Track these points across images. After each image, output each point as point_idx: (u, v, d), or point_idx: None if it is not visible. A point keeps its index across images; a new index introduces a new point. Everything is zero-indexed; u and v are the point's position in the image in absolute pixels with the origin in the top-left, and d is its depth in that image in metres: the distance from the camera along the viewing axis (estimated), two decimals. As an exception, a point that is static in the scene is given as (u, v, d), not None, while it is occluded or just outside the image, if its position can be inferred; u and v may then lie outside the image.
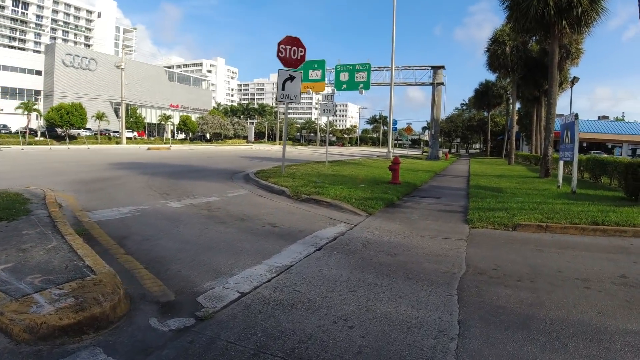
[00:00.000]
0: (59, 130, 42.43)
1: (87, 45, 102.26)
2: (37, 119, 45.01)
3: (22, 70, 63.43)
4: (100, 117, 46.22)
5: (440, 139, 59.81)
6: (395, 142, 68.83)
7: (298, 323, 3.17)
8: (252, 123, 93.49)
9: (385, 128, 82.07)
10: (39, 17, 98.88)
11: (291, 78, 13.33)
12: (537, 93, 34.56)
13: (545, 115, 26.36)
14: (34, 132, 43.89)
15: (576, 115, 12.15)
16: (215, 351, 2.75)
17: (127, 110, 54.25)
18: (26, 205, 6.89)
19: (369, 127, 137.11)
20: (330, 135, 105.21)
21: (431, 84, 41.81)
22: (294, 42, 13.69)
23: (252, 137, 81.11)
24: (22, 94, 61.04)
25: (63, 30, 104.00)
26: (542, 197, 10.72)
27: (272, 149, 51.63)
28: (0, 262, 3.97)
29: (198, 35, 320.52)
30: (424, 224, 7.42)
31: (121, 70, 47.23)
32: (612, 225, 6.92)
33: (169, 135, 64.85)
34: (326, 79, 39.37)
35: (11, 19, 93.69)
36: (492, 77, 48.87)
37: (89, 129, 50.45)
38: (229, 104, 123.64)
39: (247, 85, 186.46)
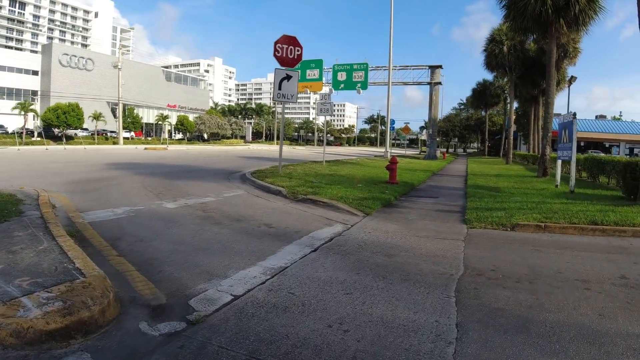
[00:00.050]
0: (56, 130, 42.23)
1: (84, 45, 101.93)
2: (34, 119, 44.82)
3: (19, 71, 63.19)
4: (97, 117, 46.03)
5: (437, 139, 59.81)
6: (393, 141, 68.88)
7: (292, 327, 3.09)
8: (250, 123, 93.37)
9: (383, 128, 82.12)
10: (36, 17, 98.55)
11: (288, 77, 13.24)
12: (534, 92, 34.53)
13: (543, 114, 26.34)
14: (30, 133, 43.68)
15: (574, 115, 12.10)
16: (205, 357, 2.67)
17: (124, 110, 54.16)
18: (18, 206, 6.79)
19: (367, 126, 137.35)
20: (328, 135, 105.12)
21: (429, 83, 41.77)
22: (290, 41, 13.60)
23: (249, 137, 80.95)
24: (18, 94, 60.78)
25: (60, 30, 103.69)
26: (541, 196, 10.66)
27: (269, 148, 51.51)
28: (-13, 264, 3.88)
29: (195, 35, 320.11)
30: (422, 224, 7.34)
31: (118, 70, 47.07)
32: (611, 225, 6.86)
33: (166, 136, 64.61)
34: (324, 79, 39.28)
35: (8, 19, 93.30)
36: (489, 76, 48.99)
37: (86, 129, 50.26)
38: (227, 103, 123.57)
39: (245, 85, 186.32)
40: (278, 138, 79.14)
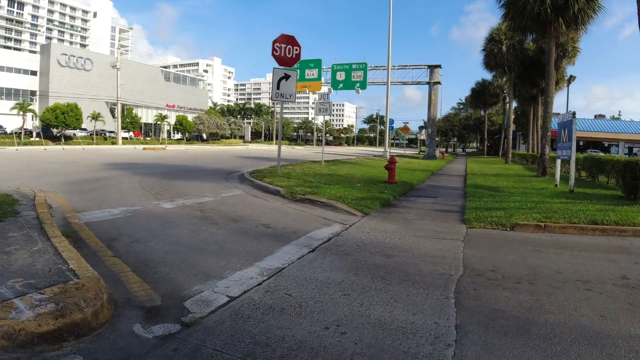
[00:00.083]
0: (55, 130, 42.15)
1: (83, 46, 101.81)
2: (32, 120, 44.71)
3: (18, 71, 63.10)
4: (95, 117, 45.97)
5: (437, 138, 59.80)
6: (392, 141, 68.83)
7: (288, 329, 3.03)
8: (249, 123, 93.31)
9: (382, 127, 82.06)
10: (34, 17, 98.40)
11: (286, 77, 13.19)
12: (533, 92, 34.50)
13: (542, 114, 26.30)
14: (29, 133, 43.62)
15: (573, 114, 12.05)
16: (199, 360, 2.61)
17: (123, 111, 54.09)
18: (14, 206, 6.73)
19: (366, 126, 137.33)
20: (327, 135, 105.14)
21: (428, 83, 41.74)
22: (289, 40, 13.55)
23: (248, 137, 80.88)
24: (17, 94, 60.68)
25: (59, 31, 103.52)
26: (540, 196, 10.62)
27: (268, 148, 51.44)
28: (-20, 266, 3.82)
29: (194, 34, 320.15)
30: (421, 224, 7.29)
31: (117, 70, 46.97)
32: (611, 225, 6.81)
33: (165, 136, 64.52)
34: (323, 79, 39.24)
35: (6, 19, 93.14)
36: (488, 76, 48.92)
37: (85, 130, 50.19)
38: (226, 103, 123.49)
39: (244, 85, 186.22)
40: (277, 138, 79.15)
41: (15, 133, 38.18)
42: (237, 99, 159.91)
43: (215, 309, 3.36)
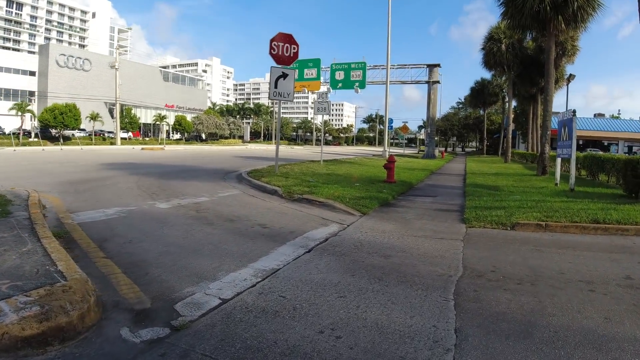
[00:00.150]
0: (53, 131, 42.01)
1: (82, 46, 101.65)
2: (31, 120, 44.57)
3: (16, 71, 62.98)
4: (94, 117, 45.86)
5: (436, 138, 59.69)
6: (392, 141, 68.74)
7: (281, 333, 2.91)
8: (248, 123, 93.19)
9: (382, 127, 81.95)
10: (33, 17, 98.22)
11: (284, 75, 13.08)
12: (533, 91, 34.45)
13: (541, 112, 26.23)
14: (28, 133, 43.46)
15: (574, 112, 11.95)
16: (188, 366, 2.50)
17: (121, 111, 53.95)
18: (7, 207, 6.62)
19: (366, 126, 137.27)
20: (327, 135, 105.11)
21: (427, 82, 41.63)
22: (286, 38, 13.43)
23: (248, 136, 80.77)
24: (15, 94, 60.58)
25: (57, 31, 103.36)
26: (540, 195, 10.51)
27: (267, 148, 51.33)
28: (-35, 268, 3.71)
29: (193, 35, 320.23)
30: (420, 223, 7.18)
31: (115, 71, 46.85)
32: (613, 224, 6.70)
33: (164, 136, 64.41)
34: (322, 78, 39.18)
35: (5, 19, 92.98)
36: (488, 75, 48.90)
37: (84, 130, 50.09)
38: (225, 103, 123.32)
39: (243, 85, 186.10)
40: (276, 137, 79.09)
41: (14, 134, 38.03)
42: (236, 99, 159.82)
43: (207, 312, 3.25)
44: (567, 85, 29.27)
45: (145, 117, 71.47)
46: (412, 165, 23.48)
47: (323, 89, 36.70)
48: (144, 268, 4.28)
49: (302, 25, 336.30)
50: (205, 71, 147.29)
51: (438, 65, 41.43)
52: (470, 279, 4.24)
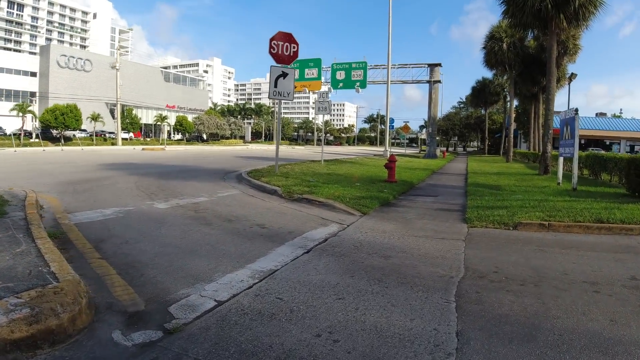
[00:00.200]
0: (54, 131, 42.03)
1: (83, 47, 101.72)
2: (32, 121, 44.56)
3: (17, 72, 63.00)
4: (95, 118, 45.84)
5: (437, 138, 59.55)
6: (393, 140, 68.68)
7: (277, 336, 2.83)
8: (249, 123, 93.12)
9: (383, 127, 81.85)
10: (34, 18, 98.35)
11: (284, 75, 12.99)
12: (534, 90, 34.30)
13: (543, 112, 26.10)
14: (29, 134, 43.47)
15: (576, 110, 11.84)
16: (179, 371, 2.42)
17: (122, 111, 53.94)
18: (3, 207, 6.55)
19: (367, 126, 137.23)
20: (328, 135, 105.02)
21: (428, 81, 41.50)
22: (286, 37, 13.35)
23: (249, 137, 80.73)
24: (17, 95, 60.60)
25: (58, 32, 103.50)
26: (543, 194, 10.41)
27: (268, 148, 51.25)
28: (-43, 269, 3.64)
29: (194, 35, 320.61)
30: (420, 223, 7.09)
31: (116, 71, 46.86)
32: (617, 223, 6.60)
33: (165, 136, 64.41)
34: (322, 78, 39.05)
35: (6, 20, 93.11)
36: (489, 74, 48.71)
37: (85, 131, 50.07)
38: (226, 104, 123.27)
39: (244, 85, 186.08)
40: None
41: (15, 134, 38.04)
42: (237, 99, 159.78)
43: (201, 315, 3.16)
44: (569, 84, 29.14)
45: (147, 117, 71.45)
46: (413, 165, 23.38)
47: (324, 88, 36.56)
48: (139, 269, 4.20)
49: (303, 25, 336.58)
50: (206, 71, 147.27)
51: (439, 64, 41.30)
52: (472, 280, 4.14)
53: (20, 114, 39.79)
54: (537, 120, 35.46)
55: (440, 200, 10.07)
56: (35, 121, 43.48)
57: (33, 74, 63.67)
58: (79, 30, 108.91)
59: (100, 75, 64.55)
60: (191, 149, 42.24)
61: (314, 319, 3.13)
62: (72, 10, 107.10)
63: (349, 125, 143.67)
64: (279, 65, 13.15)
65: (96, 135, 47.54)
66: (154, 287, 3.72)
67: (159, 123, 60.28)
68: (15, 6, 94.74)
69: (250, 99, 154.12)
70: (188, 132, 66.52)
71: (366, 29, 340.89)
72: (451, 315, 3.24)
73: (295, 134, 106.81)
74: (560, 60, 26.83)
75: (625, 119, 59.34)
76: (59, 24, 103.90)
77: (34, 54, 73.92)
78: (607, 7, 17.78)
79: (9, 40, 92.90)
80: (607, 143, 50.29)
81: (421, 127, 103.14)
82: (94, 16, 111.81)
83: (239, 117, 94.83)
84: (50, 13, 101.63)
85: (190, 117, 69.37)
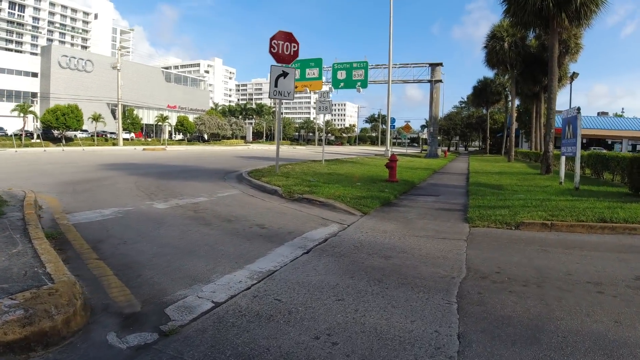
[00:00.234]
0: (56, 132, 42.06)
1: (84, 47, 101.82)
2: (33, 121, 44.61)
3: (19, 73, 63.00)
4: (96, 118, 45.85)
5: (439, 137, 59.43)
6: (394, 140, 68.60)
7: (274, 339, 2.77)
8: (250, 123, 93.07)
9: (384, 127, 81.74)
10: (35, 19, 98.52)
11: (284, 74, 12.93)
12: (536, 89, 34.18)
13: (545, 111, 26.01)
14: (30, 135, 43.48)
15: (578, 109, 11.76)
16: (174, 375, 2.36)
17: (123, 112, 53.92)
18: (2, 207, 6.50)
19: (368, 126, 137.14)
20: (329, 135, 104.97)
21: (429, 81, 41.41)
22: (286, 37, 13.29)
23: (250, 137, 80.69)
24: (18, 96, 60.62)
25: (60, 32, 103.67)
26: (545, 194, 10.34)
27: (269, 148, 51.20)
28: (-49, 270, 3.60)
29: (195, 35, 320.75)
30: (422, 223, 7.02)
31: (117, 72, 46.85)
32: (620, 223, 6.53)
33: (167, 136, 64.40)
34: (323, 78, 38.98)
35: (7, 21, 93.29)
36: (490, 73, 48.54)
37: (86, 131, 50.08)
38: (227, 104, 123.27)
39: (245, 85, 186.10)
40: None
41: (16, 135, 38.07)
42: (238, 100, 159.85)
43: (198, 316, 3.11)
44: (571, 83, 29.08)
45: (148, 117, 71.45)
46: (414, 165, 23.31)
47: (325, 88, 36.51)
48: (136, 270, 4.15)
49: (304, 25, 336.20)
50: (207, 72, 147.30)
51: (440, 64, 41.21)
52: (474, 280, 4.08)
53: (22, 115, 39.81)
54: (538, 119, 35.34)
55: (442, 200, 10.00)
56: (37, 122, 43.52)
57: (34, 75, 63.70)
58: (80, 30, 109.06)
59: (102, 76, 64.53)
60: (192, 149, 42.22)
61: (313, 320, 3.07)
62: (74, 10, 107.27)
63: (350, 125, 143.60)
64: (280, 64, 13.10)
65: (97, 136, 47.54)
66: (151, 288, 3.67)
67: (160, 123, 60.27)
68: (17, 7, 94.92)
69: (252, 99, 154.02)
70: (189, 132, 66.52)
71: (367, 29, 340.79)
72: (453, 317, 3.18)
73: (297, 134, 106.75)
74: (561, 59, 26.75)
75: (627, 118, 59.12)
76: (60, 24, 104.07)
77: (35, 54, 73.93)
78: (608, 6, 17.71)
79: (10, 41, 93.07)
80: (609, 142, 50.15)
81: (422, 126, 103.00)
82: (95, 17, 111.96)
83: (240, 117, 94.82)
84: (52, 14, 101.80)
85: (191, 118, 69.36)
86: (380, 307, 3.34)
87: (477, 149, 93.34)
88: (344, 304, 3.40)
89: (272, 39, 13.13)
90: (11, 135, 38.73)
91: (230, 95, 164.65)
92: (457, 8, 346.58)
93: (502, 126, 62.23)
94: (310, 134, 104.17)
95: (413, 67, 41.96)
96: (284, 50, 13.22)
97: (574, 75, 28.74)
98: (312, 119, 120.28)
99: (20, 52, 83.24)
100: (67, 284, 3.35)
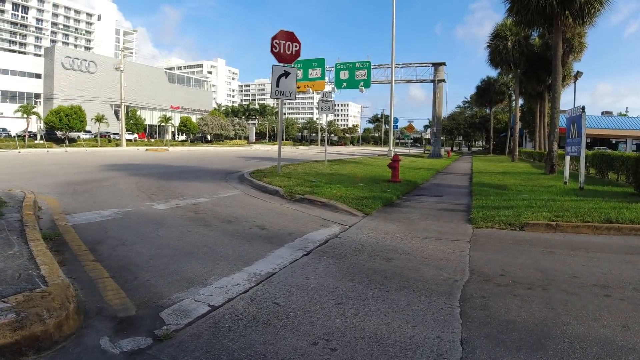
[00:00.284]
0: (59, 133, 42.18)
1: (88, 48, 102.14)
2: (37, 122, 44.74)
3: (22, 74, 63.26)
4: (99, 119, 45.95)
5: (442, 137, 59.25)
6: (397, 140, 68.34)
7: (271, 344, 2.69)
8: (253, 124, 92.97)
9: (387, 127, 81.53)
10: (39, 20, 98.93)
11: (286, 74, 12.85)
12: (540, 88, 33.98)
13: (549, 110, 25.83)
14: (33, 136, 43.60)
15: (583, 108, 11.63)
16: (167, 382, 2.29)
17: (127, 112, 53.98)
18: (0, 208, 6.46)
19: (371, 126, 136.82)
20: (332, 135, 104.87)
21: (432, 81, 41.26)
22: (288, 36, 13.22)
23: (253, 137, 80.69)
24: (22, 97, 60.88)
25: (63, 34, 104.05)
26: (549, 194, 10.21)
27: (272, 149, 51.13)
28: (-56, 273, 3.54)
29: (198, 36, 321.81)
30: (424, 224, 6.92)
31: (120, 73, 46.92)
32: (627, 223, 6.41)
33: (170, 137, 64.50)
34: (326, 78, 38.95)
35: (11, 23, 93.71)
36: (493, 73, 48.49)
37: (89, 132, 50.20)
38: (230, 104, 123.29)
39: (248, 85, 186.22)
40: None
41: (19, 136, 38.17)
42: (241, 100, 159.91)
43: (193, 320, 3.03)
44: (575, 82, 28.83)
45: (151, 118, 71.55)
46: (417, 165, 23.20)
47: (327, 88, 36.44)
48: (133, 272, 4.08)
49: (306, 26, 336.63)
50: (210, 72, 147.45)
51: (443, 63, 41.04)
52: (478, 283, 3.98)
53: (25, 116, 39.93)
54: (542, 119, 35.14)
55: (445, 200, 9.90)
56: (40, 123, 43.63)
57: (38, 76, 63.94)
58: (84, 32, 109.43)
59: (105, 77, 64.72)
60: (195, 150, 42.22)
61: (311, 325, 2.98)
62: (77, 12, 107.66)
63: (353, 125, 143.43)
64: (281, 64, 13.02)
65: (100, 137, 47.61)
66: (147, 291, 3.59)
67: (163, 124, 60.38)
68: (20, 8, 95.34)
69: (254, 100, 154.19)
70: (192, 132, 66.57)
71: (369, 30, 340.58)
72: (455, 322, 3.09)
73: (299, 134, 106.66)
74: (565, 58, 26.56)
75: (632, 117, 58.70)
76: (64, 25, 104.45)
77: (39, 55, 74.20)
78: (612, 5, 17.55)
79: (14, 42, 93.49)
80: (613, 142, 49.85)
81: (425, 126, 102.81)
82: (99, 18, 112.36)
83: (243, 117, 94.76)
84: (55, 15, 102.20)
85: (194, 118, 69.45)
86: (381, 312, 3.25)
87: (481, 149, 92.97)
88: (344, 307, 3.31)
89: (273, 38, 13.06)
90: (15, 136, 38.84)
91: (233, 96, 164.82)
92: (460, 8, 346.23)
93: (505, 126, 61.92)
94: (313, 135, 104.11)
95: (416, 66, 41.85)
96: (285, 50, 13.14)
97: (578, 74, 28.51)
98: (315, 119, 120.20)
99: (24, 53, 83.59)
100: (60, 286, 3.28)
